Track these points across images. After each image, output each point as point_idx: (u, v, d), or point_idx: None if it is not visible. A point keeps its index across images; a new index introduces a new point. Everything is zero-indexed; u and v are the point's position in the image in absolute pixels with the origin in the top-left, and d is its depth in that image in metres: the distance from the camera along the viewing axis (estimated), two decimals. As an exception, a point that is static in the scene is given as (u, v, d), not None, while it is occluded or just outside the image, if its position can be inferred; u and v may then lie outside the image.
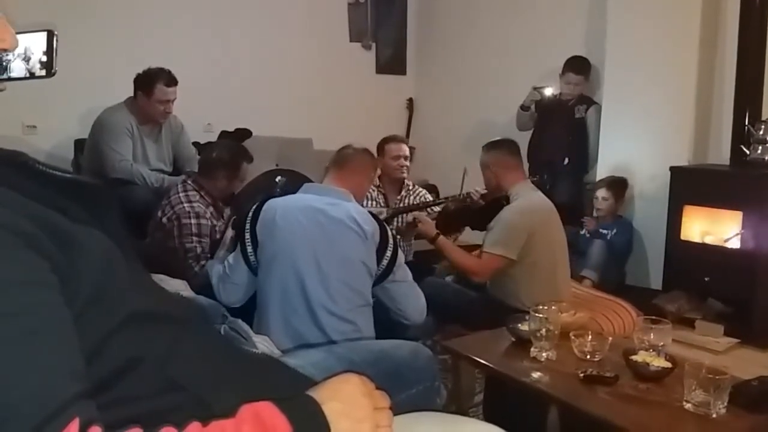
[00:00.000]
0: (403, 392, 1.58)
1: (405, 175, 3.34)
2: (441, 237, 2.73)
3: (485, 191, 2.98)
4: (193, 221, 2.60)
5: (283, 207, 2.01)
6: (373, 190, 3.23)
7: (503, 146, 2.77)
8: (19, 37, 0.86)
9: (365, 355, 1.72)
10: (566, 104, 4.17)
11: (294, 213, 1.98)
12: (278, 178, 2.85)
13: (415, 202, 3.32)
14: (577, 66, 4.17)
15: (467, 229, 3.29)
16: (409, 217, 2.98)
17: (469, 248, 2.84)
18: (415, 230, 2.85)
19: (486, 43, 5.03)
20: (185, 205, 2.64)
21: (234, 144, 3.24)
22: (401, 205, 3.30)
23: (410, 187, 3.40)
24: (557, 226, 2.73)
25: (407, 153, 3.34)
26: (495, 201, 2.79)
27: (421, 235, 2.82)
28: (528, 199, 2.66)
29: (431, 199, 3.37)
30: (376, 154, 3.19)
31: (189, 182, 2.75)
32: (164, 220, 2.65)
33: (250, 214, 2.02)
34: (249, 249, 1.99)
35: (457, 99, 5.33)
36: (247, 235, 2.00)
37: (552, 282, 2.62)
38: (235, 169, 2.77)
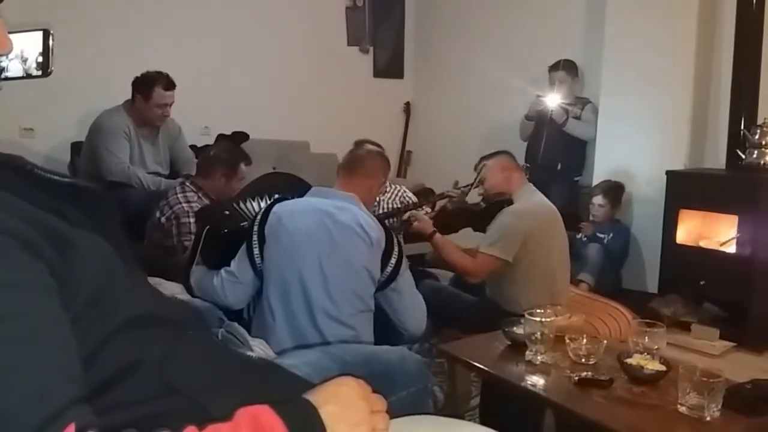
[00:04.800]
0: (395, 394, 1.58)
1: None
2: (437, 235, 2.71)
3: (467, 187, 3.01)
4: (191, 220, 2.60)
5: (290, 209, 2.00)
6: None
7: (503, 153, 2.85)
8: (15, 36, 0.85)
9: (357, 356, 1.72)
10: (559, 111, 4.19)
11: (301, 215, 1.98)
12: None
13: (393, 202, 3.31)
14: (560, 65, 4.22)
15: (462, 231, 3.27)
16: (405, 215, 2.95)
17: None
18: (411, 228, 2.80)
19: (483, 47, 5.05)
20: (184, 204, 2.65)
21: (233, 145, 3.24)
22: (380, 211, 3.25)
23: (386, 189, 3.36)
24: (558, 231, 2.73)
25: None
26: (495, 204, 2.78)
27: (417, 233, 2.79)
28: (529, 202, 2.68)
29: (411, 196, 3.35)
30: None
31: (187, 184, 2.76)
32: (163, 219, 2.65)
33: (259, 216, 2.00)
34: (255, 251, 1.97)
35: (455, 103, 5.34)
36: (255, 237, 1.98)
37: (550, 287, 2.61)
38: (233, 168, 2.76)
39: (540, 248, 2.61)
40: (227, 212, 2.26)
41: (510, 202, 2.71)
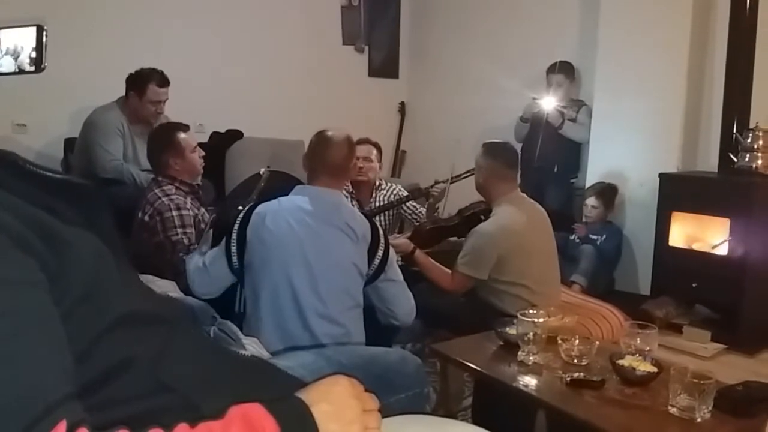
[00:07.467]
0: (392, 396, 1.58)
1: (368, 177, 3.29)
2: (417, 251, 2.74)
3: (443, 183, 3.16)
4: (174, 213, 2.57)
5: (273, 210, 2.00)
6: (347, 197, 3.22)
7: (503, 155, 2.71)
8: (8, 32, 0.85)
9: (355, 358, 1.73)
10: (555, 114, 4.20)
11: (284, 216, 1.98)
12: (262, 170, 2.81)
13: (387, 198, 3.34)
14: (557, 66, 4.22)
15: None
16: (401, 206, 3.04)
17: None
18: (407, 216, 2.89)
19: (479, 47, 5.06)
20: (164, 199, 2.61)
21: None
22: (375, 206, 3.31)
23: (382, 186, 3.39)
24: (540, 237, 2.71)
25: (367, 154, 3.28)
26: (470, 216, 2.84)
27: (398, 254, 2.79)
28: (504, 218, 2.62)
29: (406, 194, 3.36)
30: None
31: (160, 177, 2.72)
32: (146, 218, 2.62)
33: (240, 216, 2.01)
34: (233, 250, 1.98)
35: (450, 103, 5.34)
36: (234, 236, 1.98)
37: (535, 293, 2.60)
38: (171, 143, 2.69)
39: (518, 264, 2.59)
40: (241, 208, 2.28)
41: (486, 212, 2.72)
